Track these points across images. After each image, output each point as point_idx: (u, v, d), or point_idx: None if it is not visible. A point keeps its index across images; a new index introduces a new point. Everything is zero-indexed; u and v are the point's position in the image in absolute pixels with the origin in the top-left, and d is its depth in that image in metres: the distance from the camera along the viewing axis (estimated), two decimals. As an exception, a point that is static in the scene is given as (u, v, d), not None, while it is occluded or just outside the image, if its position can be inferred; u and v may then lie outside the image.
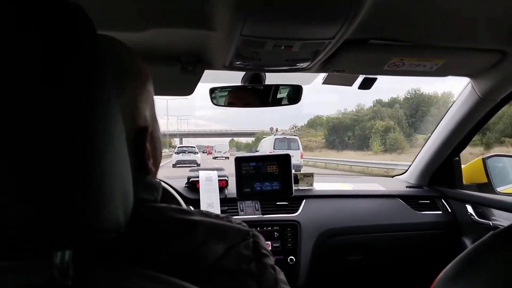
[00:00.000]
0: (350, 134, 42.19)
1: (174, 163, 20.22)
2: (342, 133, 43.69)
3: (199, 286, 0.43)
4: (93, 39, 0.38)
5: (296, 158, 15.76)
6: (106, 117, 0.37)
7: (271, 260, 0.55)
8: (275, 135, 19.17)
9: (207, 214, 0.55)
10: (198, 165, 16.01)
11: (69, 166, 0.33)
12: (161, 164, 0.62)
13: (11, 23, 0.33)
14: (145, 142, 0.55)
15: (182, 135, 67.60)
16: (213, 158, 31.42)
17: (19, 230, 0.32)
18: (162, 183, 0.60)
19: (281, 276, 0.56)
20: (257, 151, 20.21)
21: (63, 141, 0.33)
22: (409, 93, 44.26)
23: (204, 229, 0.51)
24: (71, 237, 0.34)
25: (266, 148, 18.11)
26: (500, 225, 1.60)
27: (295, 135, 21.32)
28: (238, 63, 1.20)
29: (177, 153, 22.01)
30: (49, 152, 0.33)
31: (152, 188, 0.54)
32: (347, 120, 45.79)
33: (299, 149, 17.46)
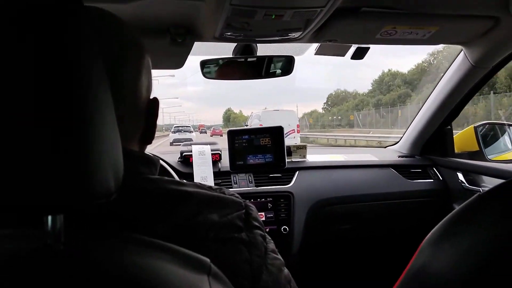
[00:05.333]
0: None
1: (171, 141, 20.33)
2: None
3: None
4: (79, 10, 0.37)
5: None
6: (94, 92, 0.37)
7: (262, 231, 0.57)
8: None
9: (200, 185, 0.56)
10: None
11: (57, 133, 0.34)
12: (159, 143, 0.64)
13: None
14: (157, 112, 0.60)
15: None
16: None
17: (11, 194, 0.33)
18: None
19: (271, 245, 0.58)
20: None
21: (52, 111, 0.34)
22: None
23: (198, 200, 0.52)
24: (62, 201, 0.35)
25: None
26: (490, 191, 1.63)
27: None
28: (228, 34, 1.18)
29: (174, 132, 23.31)
30: (38, 120, 0.33)
31: (150, 163, 0.55)
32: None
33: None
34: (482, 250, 0.57)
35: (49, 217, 0.37)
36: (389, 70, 46.54)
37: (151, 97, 0.62)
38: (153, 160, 0.57)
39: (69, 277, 0.36)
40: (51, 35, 0.35)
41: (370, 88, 49.96)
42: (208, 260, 0.44)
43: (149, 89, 0.60)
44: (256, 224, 0.56)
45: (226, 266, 0.47)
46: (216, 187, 0.58)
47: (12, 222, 0.42)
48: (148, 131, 0.60)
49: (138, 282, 0.37)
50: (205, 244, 0.49)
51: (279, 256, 0.59)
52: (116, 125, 0.41)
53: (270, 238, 0.59)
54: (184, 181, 0.55)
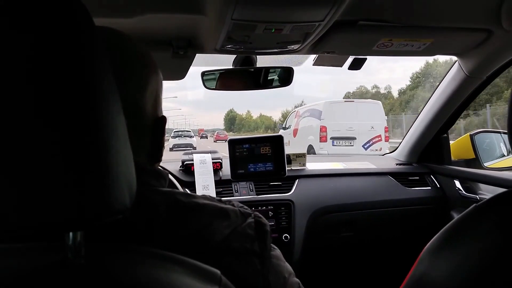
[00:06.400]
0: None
1: (171, 147, 19.83)
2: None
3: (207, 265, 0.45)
4: (91, 30, 0.38)
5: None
6: (109, 109, 0.38)
7: (271, 239, 0.58)
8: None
9: (210, 198, 0.58)
10: (194, 148, 16.05)
11: (79, 154, 0.35)
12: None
13: (11, 18, 0.34)
14: (163, 131, 0.61)
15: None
16: None
17: (35, 213, 0.34)
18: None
19: (278, 252, 0.61)
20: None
21: (70, 128, 0.35)
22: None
23: (209, 211, 0.54)
24: (83, 218, 0.36)
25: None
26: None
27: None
28: (229, 46, 1.21)
29: (174, 137, 22.05)
30: (56, 139, 0.35)
31: (159, 176, 0.57)
32: None
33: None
34: (477, 260, 0.58)
35: (71, 233, 0.38)
36: (435, 60, 37.88)
37: (160, 115, 0.62)
38: (162, 174, 0.58)
39: None
40: (65, 52, 0.36)
41: (409, 83, 41.66)
42: (218, 271, 0.45)
43: (155, 106, 0.60)
44: (267, 229, 0.58)
45: (239, 278, 0.49)
46: (226, 199, 0.60)
47: (30, 236, 0.42)
48: (155, 149, 0.60)
49: None
50: (218, 258, 0.50)
51: (287, 264, 0.61)
52: (128, 140, 0.41)
53: (275, 246, 0.61)
54: (194, 193, 0.57)
